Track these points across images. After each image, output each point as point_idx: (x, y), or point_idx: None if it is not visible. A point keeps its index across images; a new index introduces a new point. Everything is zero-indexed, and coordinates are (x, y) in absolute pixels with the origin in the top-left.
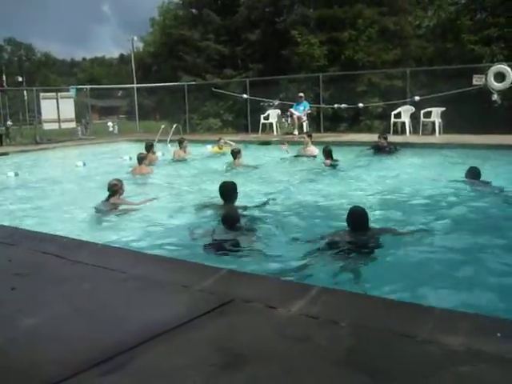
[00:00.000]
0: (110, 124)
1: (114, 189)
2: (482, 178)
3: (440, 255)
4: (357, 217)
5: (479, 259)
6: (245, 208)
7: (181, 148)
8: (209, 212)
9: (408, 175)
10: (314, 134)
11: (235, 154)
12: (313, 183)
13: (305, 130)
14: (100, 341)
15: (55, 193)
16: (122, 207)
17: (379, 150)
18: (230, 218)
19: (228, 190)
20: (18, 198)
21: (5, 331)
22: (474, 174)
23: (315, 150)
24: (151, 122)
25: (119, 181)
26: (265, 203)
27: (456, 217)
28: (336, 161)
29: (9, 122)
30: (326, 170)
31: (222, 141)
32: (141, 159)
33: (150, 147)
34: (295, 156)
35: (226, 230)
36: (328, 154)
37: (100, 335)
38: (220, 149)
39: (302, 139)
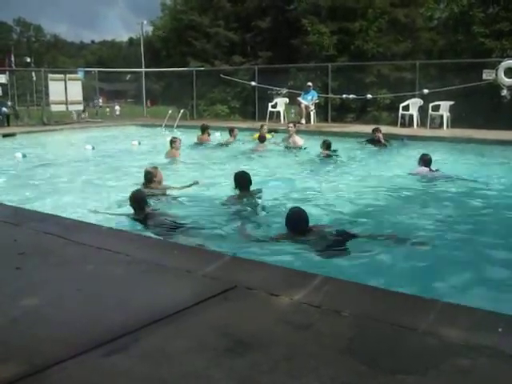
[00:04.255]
0: (116, 108)
1: (149, 176)
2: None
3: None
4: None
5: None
6: (259, 191)
7: (231, 135)
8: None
9: (395, 168)
10: (321, 124)
11: (262, 139)
12: (300, 174)
13: (312, 120)
14: (103, 322)
15: (64, 176)
16: (158, 192)
17: (374, 143)
18: (136, 200)
19: (242, 179)
20: (26, 180)
21: (9, 310)
22: (426, 161)
23: (300, 141)
24: (159, 106)
25: (155, 168)
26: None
27: (419, 205)
28: (335, 151)
29: (9, 102)
30: (317, 162)
31: (265, 128)
32: (171, 143)
33: (205, 129)
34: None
35: (138, 212)
36: (328, 146)
37: (103, 317)
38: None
39: (290, 128)
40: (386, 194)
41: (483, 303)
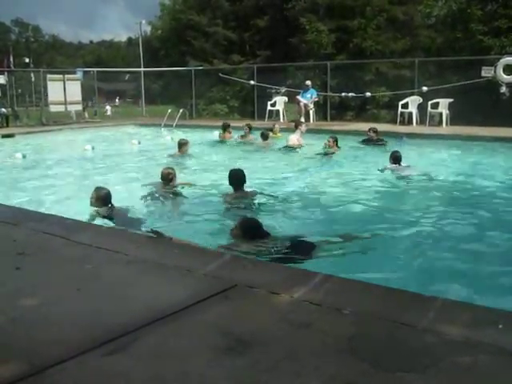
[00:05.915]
0: (107, 108)
1: (170, 177)
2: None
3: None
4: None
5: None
6: (255, 193)
7: (248, 132)
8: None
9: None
10: (320, 123)
11: (264, 136)
12: (295, 173)
13: (311, 118)
14: (103, 322)
15: (64, 176)
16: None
17: (369, 142)
18: (101, 198)
19: (236, 177)
20: (25, 180)
21: (8, 310)
22: (395, 158)
23: (301, 140)
24: (158, 106)
25: (172, 169)
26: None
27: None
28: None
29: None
30: (312, 162)
31: (277, 127)
32: (180, 145)
33: (226, 127)
34: (285, 147)
35: (102, 208)
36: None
37: (103, 316)
38: (275, 134)
39: (305, 128)
40: (360, 192)
41: (483, 300)
